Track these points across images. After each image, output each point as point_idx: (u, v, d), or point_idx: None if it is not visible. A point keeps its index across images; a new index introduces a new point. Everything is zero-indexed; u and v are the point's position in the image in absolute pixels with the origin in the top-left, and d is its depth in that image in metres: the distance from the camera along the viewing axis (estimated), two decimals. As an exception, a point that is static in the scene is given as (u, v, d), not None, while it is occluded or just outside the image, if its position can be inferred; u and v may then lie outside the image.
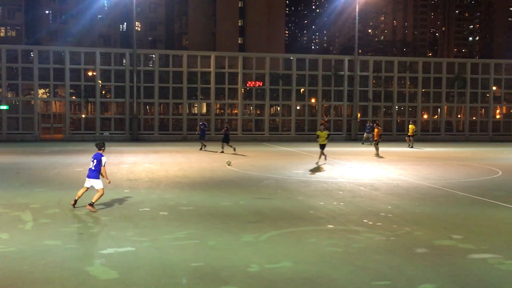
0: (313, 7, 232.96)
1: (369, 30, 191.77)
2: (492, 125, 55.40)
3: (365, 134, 44.51)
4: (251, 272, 8.90)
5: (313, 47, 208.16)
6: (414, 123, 43.35)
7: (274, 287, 8.17)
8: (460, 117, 55.77)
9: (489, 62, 57.48)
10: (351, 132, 51.61)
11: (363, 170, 24.65)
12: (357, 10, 52.93)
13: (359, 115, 52.71)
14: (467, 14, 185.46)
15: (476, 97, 55.12)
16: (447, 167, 26.55)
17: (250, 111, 52.93)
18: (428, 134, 53.31)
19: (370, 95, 52.88)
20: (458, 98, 55.13)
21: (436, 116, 55.40)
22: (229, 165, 25.02)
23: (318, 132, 28.04)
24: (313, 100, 53.14)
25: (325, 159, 27.34)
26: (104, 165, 14.00)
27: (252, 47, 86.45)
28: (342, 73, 52.56)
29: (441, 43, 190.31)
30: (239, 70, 51.30)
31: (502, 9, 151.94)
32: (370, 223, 12.89)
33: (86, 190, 14.27)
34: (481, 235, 11.89)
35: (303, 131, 52.18)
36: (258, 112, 53.06)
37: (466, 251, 10.40)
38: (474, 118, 55.55)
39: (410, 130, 41.01)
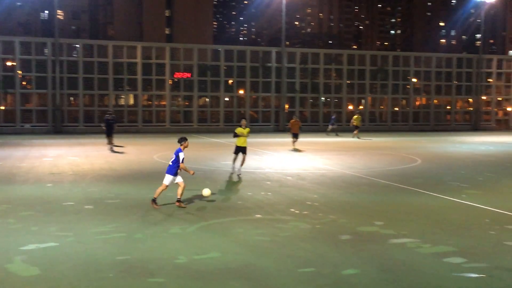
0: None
1: (296, 22, 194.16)
2: (412, 115, 57.62)
3: (330, 126, 45.44)
4: (178, 264, 8.86)
5: (241, 38, 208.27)
6: (360, 114, 44.60)
7: (201, 278, 8.17)
8: (382, 108, 57.61)
9: (409, 55, 59.73)
10: (279, 123, 52.20)
11: (290, 160, 25.03)
12: (284, 2, 53.43)
13: (287, 106, 53.38)
14: (389, 8, 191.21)
15: (398, 88, 57.12)
16: (370, 157, 27.41)
17: (178, 103, 52.42)
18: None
19: (297, 87, 53.65)
20: (381, 90, 56.93)
21: (360, 107, 56.95)
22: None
23: (239, 130, 19.90)
24: (241, 92, 53.30)
25: (233, 167, 20.07)
26: (182, 161, 13.41)
27: (180, 38, 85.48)
28: (269, 64, 53.01)
29: (365, 36, 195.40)
30: (167, 61, 50.65)
31: (421, 3, 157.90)
32: (297, 212, 13.13)
33: (184, 187, 13.73)
34: (401, 220, 12.38)
35: (232, 122, 52.23)
36: (187, 103, 52.63)
37: (387, 237, 10.80)
38: (396, 108, 57.56)
39: (355, 121, 41.81)
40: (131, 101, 51.64)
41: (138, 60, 49.75)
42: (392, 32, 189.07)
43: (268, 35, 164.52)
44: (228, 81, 52.79)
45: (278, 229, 11.34)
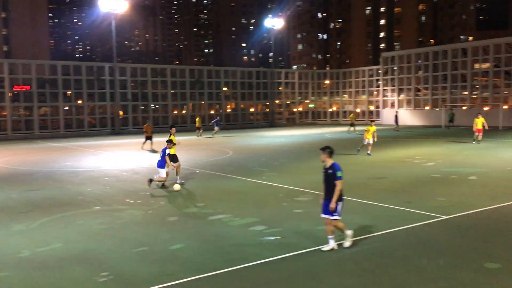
0: (75, 20, 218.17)
1: (126, 42, 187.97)
2: (225, 117, 59.28)
3: (216, 128, 42.65)
4: (22, 257, 8.04)
5: (77, 55, 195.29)
6: (200, 116, 44.40)
7: (45, 268, 7.51)
8: (202, 112, 58.29)
9: (220, 69, 61.34)
10: (115, 127, 50.05)
11: (126, 158, 24.16)
12: (113, 25, 51.05)
13: (121, 113, 51.34)
14: (203, 32, 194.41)
15: (212, 95, 58.34)
16: (194, 151, 27.58)
17: (19, 113, 47.31)
18: (178, 126, 54.52)
19: (129, 96, 51.93)
20: (199, 97, 57.60)
21: (184, 111, 57.02)
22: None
23: (172, 138, 15.91)
24: (79, 101, 49.93)
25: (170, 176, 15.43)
26: (167, 155, 14.56)
27: (18, 54, 77.29)
28: (104, 77, 50.46)
29: (184, 54, 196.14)
30: (5, 75, 45.38)
31: (227, 29, 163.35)
32: (132, 201, 12.74)
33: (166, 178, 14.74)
34: (218, 201, 12.70)
35: (72, 128, 48.80)
36: (27, 113, 47.72)
37: (206, 215, 11.00)
38: (212, 112, 58.68)
39: (197, 122, 41.62)
40: (-29, 113, 45.33)
41: (-24, 74, 43.78)
42: (206, 50, 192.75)
43: (101, 52, 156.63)
44: (66, 92, 49.08)
45: (115, 217, 10.89)
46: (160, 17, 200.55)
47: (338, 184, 7.93)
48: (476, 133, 27.70)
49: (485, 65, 49.93)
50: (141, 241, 8.93)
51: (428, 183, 14.61)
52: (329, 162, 8.10)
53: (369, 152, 22.74)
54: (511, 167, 17.71)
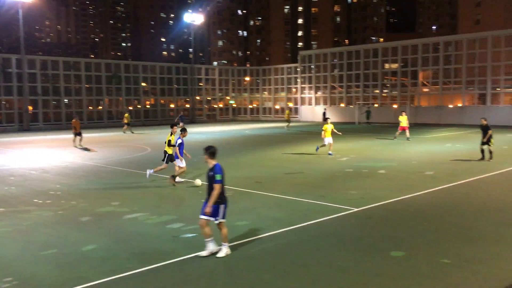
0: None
1: (36, 33, 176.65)
2: (143, 112, 57.87)
3: (181, 123, 39.56)
4: None
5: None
6: (130, 112, 42.69)
7: None
8: (119, 108, 56.43)
9: (138, 63, 59.66)
10: (23, 123, 46.95)
11: (35, 156, 22.76)
12: (20, 14, 47.78)
13: (30, 108, 48.26)
14: (120, 25, 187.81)
15: (130, 91, 56.61)
16: (109, 148, 26.64)
17: None
18: (93, 122, 52.45)
19: (39, 90, 48.93)
20: (116, 92, 55.64)
21: (100, 107, 54.83)
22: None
23: (172, 138, 15.13)
24: (-18, 95, 46.22)
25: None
26: (176, 145, 14.14)
27: None
28: (10, 70, 47.08)
29: (100, 47, 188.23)
30: None
31: (146, 23, 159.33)
32: (40, 201, 12.03)
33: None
34: (134, 199, 12.35)
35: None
36: None
37: (122, 214, 10.67)
38: (130, 107, 56.92)
39: (125, 119, 39.92)
40: None
41: None
42: (124, 44, 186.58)
43: (8, 42, 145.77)
44: (-34, 85, 45.24)
45: (21, 219, 10.22)
46: (73, 8, 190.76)
47: (217, 188, 7.50)
48: (399, 131, 29.14)
49: (394, 65, 53.12)
50: (50, 243, 8.46)
51: (341, 177, 15.27)
52: (212, 163, 7.73)
53: (329, 152, 21.50)
54: (416, 161, 19.03)
